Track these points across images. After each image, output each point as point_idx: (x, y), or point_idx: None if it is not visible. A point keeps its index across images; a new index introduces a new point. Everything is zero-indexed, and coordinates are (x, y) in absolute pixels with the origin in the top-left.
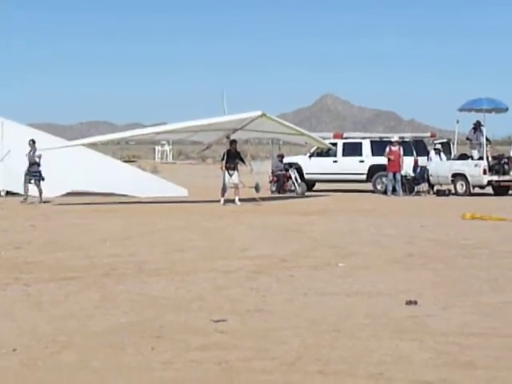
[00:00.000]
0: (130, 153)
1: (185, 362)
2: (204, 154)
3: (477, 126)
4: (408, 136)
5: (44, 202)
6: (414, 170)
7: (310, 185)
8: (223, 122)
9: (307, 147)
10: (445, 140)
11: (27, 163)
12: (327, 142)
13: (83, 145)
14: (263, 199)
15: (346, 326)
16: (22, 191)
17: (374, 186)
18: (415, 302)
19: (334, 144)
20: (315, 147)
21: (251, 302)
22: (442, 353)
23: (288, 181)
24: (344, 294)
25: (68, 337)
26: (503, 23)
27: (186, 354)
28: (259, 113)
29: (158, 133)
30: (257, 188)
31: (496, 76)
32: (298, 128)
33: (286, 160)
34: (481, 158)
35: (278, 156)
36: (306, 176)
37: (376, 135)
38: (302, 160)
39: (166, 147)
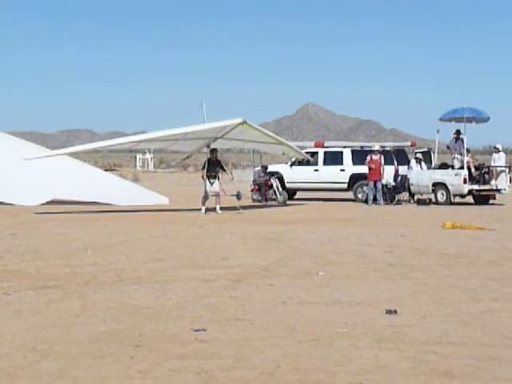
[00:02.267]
0: (111, 161)
1: (164, 371)
2: (185, 163)
3: (458, 135)
4: (389, 145)
5: None
6: (395, 178)
7: (291, 193)
8: (204, 130)
9: (287, 156)
10: (425, 149)
11: None
12: (308, 150)
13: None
14: (244, 208)
15: (325, 335)
16: (1, 199)
17: (355, 194)
18: (395, 311)
19: (315, 153)
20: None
21: (231, 311)
22: (420, 362)
23: (269, 189)
24: (324, 303)
25: (48, 345)
26: (484, 33)
27: (165, 362)
28: (240, 120)
29: (139, 141)
30: (238, 196)
31: (477, 86)
32: (277, 137)
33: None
34: (461, 168)
35: (262, 167)
36: (287, 185)
37: (357, 144)
38: (284, 169)
39: (148, 155)
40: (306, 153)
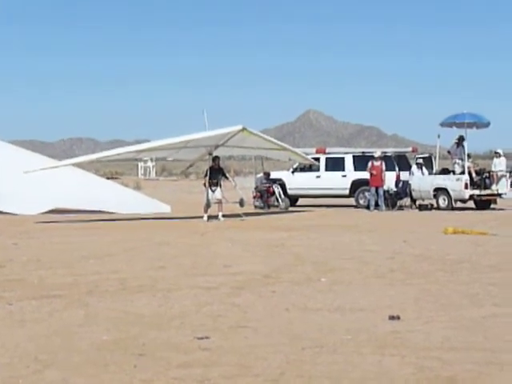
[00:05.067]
0: (112, 169)
1: (167, 380)
2: (187, 171)
3: (460, 141)
4: (390, 151)
5: None
6: (397, 184)
7: (293, 200)
8: (204, 138)
9: (290, 162)
10: (427, 155)
11: None
12: (310, 157)
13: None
14: (247, 215)
15: (328, 342)
16: (3, 209)
17: (357, 200)
18: (398, 317)
19: (317, 159)
20: (298, 163)
21: (234, 319)
22: (423, 368)
23: (271, 196)
24: (326, 310)
25: (51, 354)
26: (485, 40)
27: (168, 371)
28: (239, 127)
29: (140, 151)
30: (241, 203)
31: (477, 91)
32: (279, 142)
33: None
34: (462, 173)
35: (264, 174)
36: (289, 191)
37: (358, 150)
38: (285, 175)
39: (149, 163)
40: None
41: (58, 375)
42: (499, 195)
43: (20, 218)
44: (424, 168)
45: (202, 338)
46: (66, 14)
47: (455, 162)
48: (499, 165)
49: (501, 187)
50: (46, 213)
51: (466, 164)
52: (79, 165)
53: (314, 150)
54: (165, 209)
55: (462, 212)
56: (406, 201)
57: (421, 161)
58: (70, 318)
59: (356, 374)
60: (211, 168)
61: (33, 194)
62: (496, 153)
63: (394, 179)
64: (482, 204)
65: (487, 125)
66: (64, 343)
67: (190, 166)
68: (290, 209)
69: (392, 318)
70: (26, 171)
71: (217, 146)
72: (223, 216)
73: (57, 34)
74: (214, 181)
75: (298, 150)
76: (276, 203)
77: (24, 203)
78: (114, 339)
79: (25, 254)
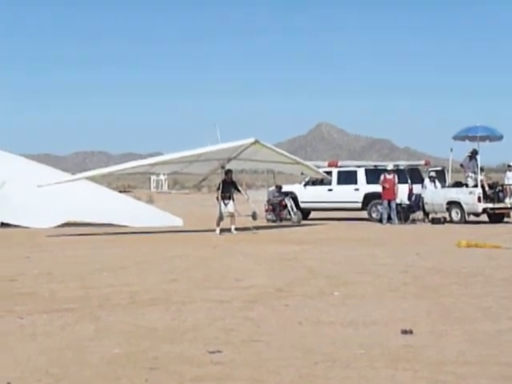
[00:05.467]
0: (125, 182)
1: None
2: (200, 184)
3: (473, 155)
4: (403, 164)
5: None
6: (409, 197)
7: (305, 213)
8: (217, 151)
9: (302, 176)
10: (439, 168)
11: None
12: (322, 170)
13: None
14: (259, 228)
15: (341, 356)
16: (16, 222)
17: (370, 214)
18: (410, 331)
19: (329, 172)
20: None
21: (246, 332)
22: (436, 382)
23: (284, 209)
24: (339, 324)
25: (62, 368)
26: (498, 52)
27: None
28: (252, 140)
29: (153, 164)
30: (254, 216)
31: (490, 104)
32: (291, 156)
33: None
34: (475, 186)
35: (276, 187)
36: (301, 204)
37: (371, 163)
38: (298, 188)
39: (162, 176)
40: None
41: None
42: None
43: (32, 232)
44: (437, 181)
45: (214, 352)
46: (82, 26)
47: (468, 176)
48: None
49: None
50: (59, 226)
51: (479, 177)
52: (92, 178)
53: (325, 163)
54: (177, 222)
55: (475, 225)
56: (419, 214)
57: (433, 174)
58: (81, 331)
59: None
60: (224, 181)
61: (45, 207)
62: (509, 166)
63: (407, 192)
64: (496, 217)
65: (500, 138)
66: (75, 357)
67: (203, 179)
68: (303, 222)
69: (405, 332)
70: (40, 185)
71: (229, 159)
72: (236, 229)
73: (69, 47)
74: (227, 194)
75: (310, 164)
76: (288, 216)
77: (37, 216)
78: (125, 353)
79: (37, 267)
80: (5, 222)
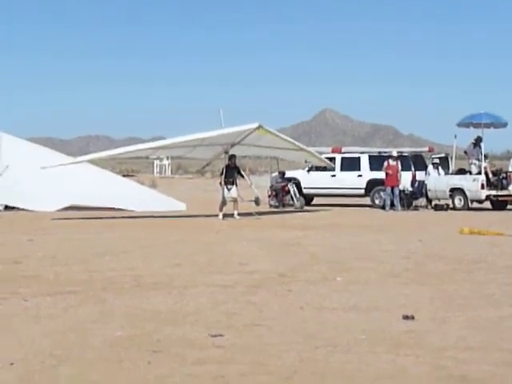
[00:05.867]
0: (128, 167)
1: (181, 377)
2: (203, 169)
3: (477, 142)
4: (406, 150)
5: None
6: (412, 184)
7: (308, 199)
8: (220, 136)
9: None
10: (443, 155)
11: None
12: (325, 156)
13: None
14: (262, 213)
15: (342, 341)
16: (20, 205)
17: (373, 200)
18: (412, 317)
19: (333, 158)
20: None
21: (248, 317)
22: (438, 367)
23: (286, 195)
24: (341, 309)
25: (66, 350)
26: (502, 38)
27: (183, 368)
28: (256, 125)
29: (156, 148)
30: (257, 202)
31: (495, 91)
32: (295, 142)
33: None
34: (479, 173)
35: (280, 173)
36: (304, 190)
37: (374, 150)
38: (301, 174)
39: (165, 161)
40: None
41: (72, 371)
42: None
43: (36, 215)
44: (440, 168)
45: (216, 336)
46: (84, 14)
47: (472, 163)
48: None
49: None
50: (63, 210)
51: (483, 164)
52: (95, 162)
53: (329, 149)
54: (180, 207)
55: (478, 212)
56: (422, 201)
57: (437, 161)
58: (84, 314)
59: (370, 372)
60: (227, 166)
61: (49, 190)
62: None
63: (410, 179)
64: (499, 205)
65: (505, 125)
66: (78, 339)
67: (207, 164)
68: (305, 208)
69: (406, 317)
70: (43, 167)
71: (233, 145)
72: (239, 214)
73: (75, 33)
74: (230, 179)
75: (313, 150)
76: (291, 202)
77: (40, 200)
78: (128, 335)
79: (41, 250)
80: (9, 205)
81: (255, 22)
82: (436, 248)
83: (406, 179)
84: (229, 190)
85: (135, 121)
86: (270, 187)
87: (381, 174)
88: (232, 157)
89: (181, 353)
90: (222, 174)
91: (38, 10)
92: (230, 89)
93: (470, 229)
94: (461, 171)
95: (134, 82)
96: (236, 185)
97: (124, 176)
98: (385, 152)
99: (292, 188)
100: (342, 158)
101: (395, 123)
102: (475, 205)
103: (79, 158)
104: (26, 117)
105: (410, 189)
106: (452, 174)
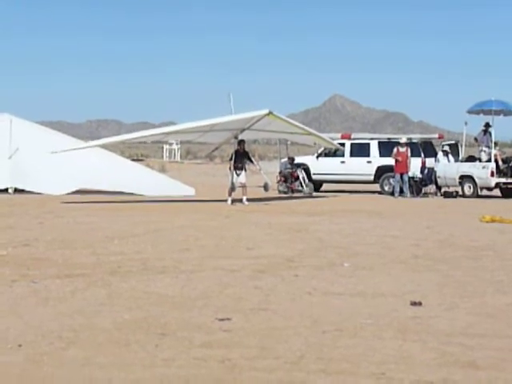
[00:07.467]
0: (138, 151)
1: (188, 360)
2: (212, 154)
3: (487, 129)
4: (416, 137)
5: None
6: (422, 171)
7: (317, 185)
8: (230, 122)
9: (315, 147)
10: (453, 142)
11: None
12: (335, 142)
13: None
14: (270, 199)
15: (349, 326)
16: (29, 188)
17: (382, 187)
18: (420, 303)
19: (342, 144)
20: (323, 148)
21: (255, 301)
22: (444, 353)
23: (295, 181)
24: (348, 294)
25: (74, 333)
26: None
27: (190, 351)
28: (266, 111)
29: (166, 133)
30: (266, 187)
31: (506, 78)
32: (305, 127)
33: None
34: (489, 160)
35: (289, 158)
36: (313, 176)
37: (384, 136)
38: (310, 160)
39: (174, 146)
40: None
41: (80, 353)
42: None
43: (45, 198)
44: (450, 155)
45: (223, 320)
46: None
47: (482, 150)
48: None
49: None
50: (72, 193)
51: (493, 152)
52: (105, 146)
53: (339, 135)
54: (189, 191)
55: (487, 200)
56: (431, 188)
57: (447, 148)
58: (92, 297)
59: (376, 357)
60: (236, 152)
61: (58, 174)
62: None
63: (420, 166)
64: (508, 192)
65: None
66: (87, 322)
67: (216, 149)
68: (314, 194)
69: (414, 303)
70: (53, 151)
71: (242, 130)
72: (247, 200)
73: (85, 15)
74: (239, 164)
75: (323, 135)
76: (300, 188)
77: (50, 183)
78: (135, 319)
79: (50, 233)
80: (18, 188)
81: (265, 6)
82: (444, 235)
83: (415, 166)
84: (238, 175)
85: (145, 105)
86: (279, 173)
87: (390, 161)
88: (241, 142)
89: (188, 336)
90: (231, 159)
91: None
92: (240, 74)
93: (492, 216)
94: (470, 158)
95: (145, 66)
96: (245, 170)
97: (133, 160)
98: (394, 138)
99: (301, 174)
100: (352, 144)
101: (405, 110)
102: (485, 192)
103: (91, 143)
104: (36, 100)
105: (420, 175)
106: (462, 161)
